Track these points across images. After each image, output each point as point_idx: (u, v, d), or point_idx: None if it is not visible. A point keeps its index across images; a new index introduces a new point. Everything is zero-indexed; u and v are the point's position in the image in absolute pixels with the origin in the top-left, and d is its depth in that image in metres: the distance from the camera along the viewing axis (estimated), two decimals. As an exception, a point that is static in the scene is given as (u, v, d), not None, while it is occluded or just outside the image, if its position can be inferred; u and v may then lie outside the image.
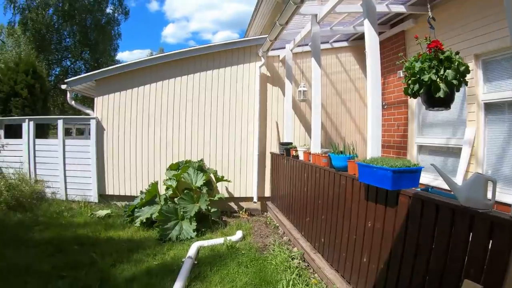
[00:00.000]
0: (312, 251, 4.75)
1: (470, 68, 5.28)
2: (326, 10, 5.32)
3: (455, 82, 2.24)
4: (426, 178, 5.66)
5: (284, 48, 7.74)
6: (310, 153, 5.35)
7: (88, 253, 4.96)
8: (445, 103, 2.28)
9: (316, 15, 5.65)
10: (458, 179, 5.12)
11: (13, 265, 4.48)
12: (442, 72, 2.23)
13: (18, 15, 24.06)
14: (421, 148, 6.62)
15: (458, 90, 2.37)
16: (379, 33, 7.37)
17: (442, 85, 2.19)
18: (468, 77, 5.35)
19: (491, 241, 1.99)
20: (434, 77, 2.20)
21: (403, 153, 6.83)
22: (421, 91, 2.28)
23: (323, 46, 7.93)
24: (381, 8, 6.07)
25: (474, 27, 5.22)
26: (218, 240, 5.58)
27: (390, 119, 7.21)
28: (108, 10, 28.00)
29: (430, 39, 2.41)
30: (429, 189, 4.51)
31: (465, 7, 5.44)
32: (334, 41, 8.25)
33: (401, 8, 6.15)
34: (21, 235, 5.63)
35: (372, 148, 3.63)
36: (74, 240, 5.53)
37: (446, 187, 2.37)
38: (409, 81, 2.35)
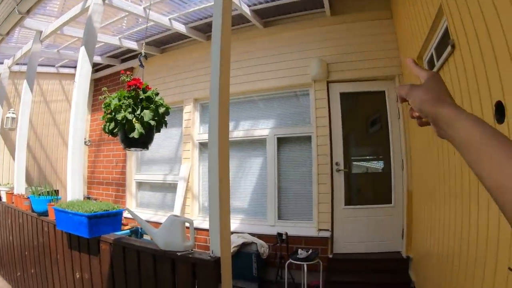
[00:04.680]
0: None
1: (188, 111, 5.88)
2: (52, 28, 4.75)
3: (152, 123, 2.18)
4: (146, 214, 5.70)
5: (2, 63, 6.46)
6: (13, 193, 4.52)
7: None
8: (142, 143, 2.20)
9: (41, 32, 4.94)
10: (176, 212, 5.35)
11: None
12: (139, 111, 2.14)
13: None
14: (141, 185, 6.69)
15: (158, 131, 2.33)
16: (110, 66, 7.31)
17: (137, 125, 2.09)
18: (185, 117, 5.92)
19: (196, 280, 2.01)
20: (129, 116, 2.09)
21: (122, 190, 6.75)
22: (116, 130, 2.12)
23: (47, 70, 7.13)
24: (113, 40, 5.96)
25: (197, 74, 5.72)
26: None
27: (109, 155, 7.04)
28: None
29: (131, 77, 2.31)
30: (139, 230, 4.50)
31: (187, 55, 5.96)
32: (61, 66, 7.50)
33: (133, 44, 6.20)
34: None
35: (73, 189, 3.24)
36: None
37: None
38: (106, 119, 2.16)
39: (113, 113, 2.12)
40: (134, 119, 2.10)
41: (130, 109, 2.11)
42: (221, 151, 1.99)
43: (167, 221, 2.14)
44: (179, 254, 2.05)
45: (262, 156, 5.54)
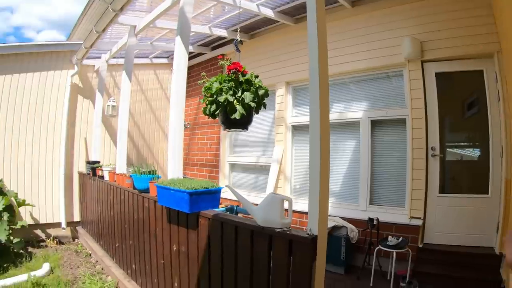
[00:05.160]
0: (126, 278, 4.37)
1: (280, 94, 5.97)
2: (145, 22, 5.10)
3: (252, 104, 2.27)
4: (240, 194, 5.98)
5: (100, 58, 7.12)
6: (115, 173, 4.97)
7: None
8: (242, 124, 2.30)
9: (135, 27, 5.34)
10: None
11: None
12: (239, 94, 2.23)
13: None
14: (234, 166, 6.94)
15: (257, 113, 2.42)
16: (200, 54, 7.65)
17: (238, 107, 2.19)
18: (278, 101, 6.01)
19: (291, 258, 2.04)
20: (231, 99, 2.19)
21: (216, 171, 7.06)
22: (218, 111, 2.24)
23: (142, 61, 7.66)
24: (203, 29, 6.22)
25: (287, 58, 5.77)
26: (21, 277, 4.61)
27: (203, 138, 7.40)
28: None
29: (231, 61, 2.42)
30: (235, 208, 4.68)
31: (276, 39, 6.04)
32: (155, 57, 8.03)
33: (223, 32, 6.41)
34: None
35: (173, 169, 3.49)
36: None
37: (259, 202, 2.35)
38: (207, 102, 2.29)
39: (214, 96, 2.24)
40: (235, 101, 2.20)
41: (231, 92, 2.22)
42: (322, 133, 1.98)
43: (267, 198, 2.19)
44: (277, 230, 2.09)
45: (355, 139, 5.42)
